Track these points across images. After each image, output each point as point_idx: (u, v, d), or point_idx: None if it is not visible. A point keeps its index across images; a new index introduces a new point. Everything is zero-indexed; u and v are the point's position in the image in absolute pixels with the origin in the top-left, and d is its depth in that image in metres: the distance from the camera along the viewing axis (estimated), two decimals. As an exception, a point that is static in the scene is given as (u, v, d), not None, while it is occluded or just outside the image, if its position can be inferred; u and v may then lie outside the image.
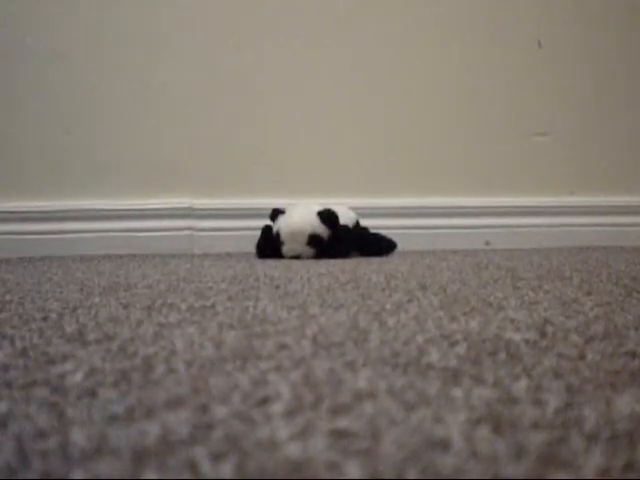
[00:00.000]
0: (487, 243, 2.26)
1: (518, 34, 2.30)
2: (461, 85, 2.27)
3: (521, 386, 0.49)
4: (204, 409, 0.43)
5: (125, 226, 1.99)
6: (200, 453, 0.35)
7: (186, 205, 2.07)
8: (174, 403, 0.44)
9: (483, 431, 0.39)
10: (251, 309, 0.87)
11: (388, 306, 0.89)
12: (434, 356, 0.59)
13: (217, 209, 2.10)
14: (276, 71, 2.15)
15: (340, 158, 2.18)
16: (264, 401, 0.45)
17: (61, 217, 2.01)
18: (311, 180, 2.14)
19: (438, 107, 2.25)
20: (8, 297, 1.02)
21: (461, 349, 0.62)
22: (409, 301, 0.94)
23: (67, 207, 2.01)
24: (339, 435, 0.38)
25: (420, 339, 0.67)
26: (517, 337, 0.68)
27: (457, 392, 0.48)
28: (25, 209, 1.99)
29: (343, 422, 0.40)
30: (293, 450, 0.35)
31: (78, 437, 0.37)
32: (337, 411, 0.43)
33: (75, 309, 0.88)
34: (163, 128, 2.08)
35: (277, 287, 1.12)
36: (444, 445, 0.36)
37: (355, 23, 2.19)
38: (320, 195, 2.06)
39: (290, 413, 0.42)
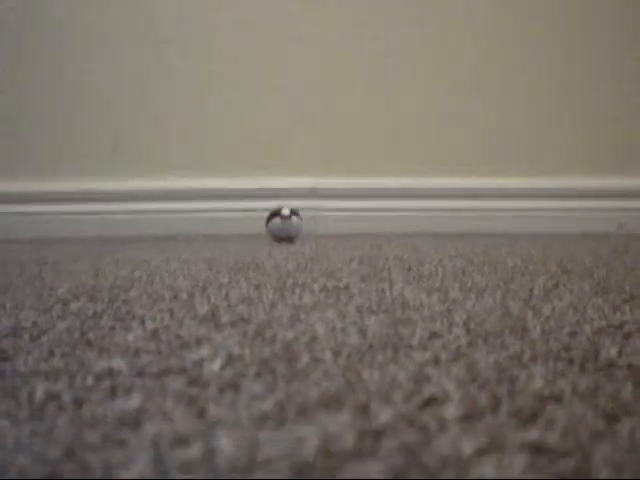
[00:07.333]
0: (620, 226, 2.13)
1: None
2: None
3: None
4: (364, 410, 0.37)
5: (251, 206, 1.96)
6: (375, 469, 0.29)
7: (309, 186, 2.03)
8: (329, 401, 0.38)
9: None
10: (388, 292, 0.81)
11: (536, 291, 0.82)
12: (612, 351, 0.52)
13: (341, 189, 2.04)
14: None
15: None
16: (431, 402, 0.39)
17: (189, 196, 2.00)
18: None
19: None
20: (137, 274, 0.99)
21: (639, 342, 0.55)
22: (556, 286, 0.86)
23: (200, 185, 1.99)
24: (534, 450, 0.31)
25: (587, 330, 0.59)
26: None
27: (659, 397, 0.40)
28: (158, 187, 1.99)
29: (534, 433, 0.34)
30: (486, 470, 0.29)
31: (225, 444, 0.32)
32: (522, 417, 0.36)
33: (205, 288, 0.84)
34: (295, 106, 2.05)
35: (409, 269, 1.06)
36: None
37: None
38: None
39: (466, 419, 0.36)
